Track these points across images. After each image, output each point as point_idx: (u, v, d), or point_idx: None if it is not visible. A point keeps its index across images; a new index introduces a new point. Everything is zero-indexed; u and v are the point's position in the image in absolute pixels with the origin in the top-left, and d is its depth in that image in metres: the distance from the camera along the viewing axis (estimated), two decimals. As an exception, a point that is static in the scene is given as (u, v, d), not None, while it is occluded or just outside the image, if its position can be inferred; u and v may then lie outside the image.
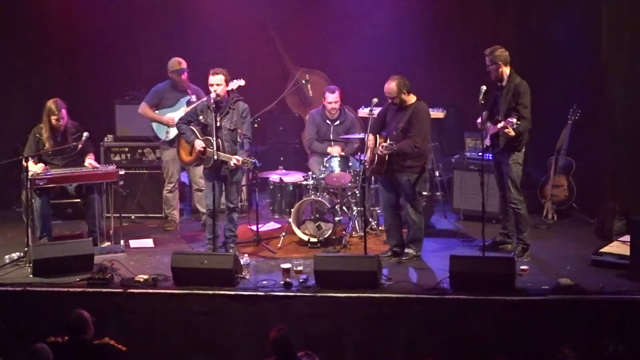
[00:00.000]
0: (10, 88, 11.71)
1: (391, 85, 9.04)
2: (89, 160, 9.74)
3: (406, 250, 9.31)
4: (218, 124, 9.16)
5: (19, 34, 11.66)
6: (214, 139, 9.09)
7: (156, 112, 10.61)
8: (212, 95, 9.18)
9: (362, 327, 8.21)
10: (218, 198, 9.30)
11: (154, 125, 10.66)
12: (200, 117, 9.36)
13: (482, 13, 11.85)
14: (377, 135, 9.17)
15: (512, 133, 8.92)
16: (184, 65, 10.53)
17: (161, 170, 10.94)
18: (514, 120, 8.85)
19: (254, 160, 9.14)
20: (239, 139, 9.32)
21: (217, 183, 9.25)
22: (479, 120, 9.29)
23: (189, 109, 9.85)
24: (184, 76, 10.52)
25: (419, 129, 9.05)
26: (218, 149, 9.10)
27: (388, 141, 9.01)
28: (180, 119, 9.57)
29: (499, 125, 8.97)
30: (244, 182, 11.02)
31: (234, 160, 9.11)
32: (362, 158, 9.31)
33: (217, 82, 9.22)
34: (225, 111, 9.28)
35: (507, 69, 9.14)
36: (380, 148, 8.96)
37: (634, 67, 10.21)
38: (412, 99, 9.13)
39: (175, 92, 10.58)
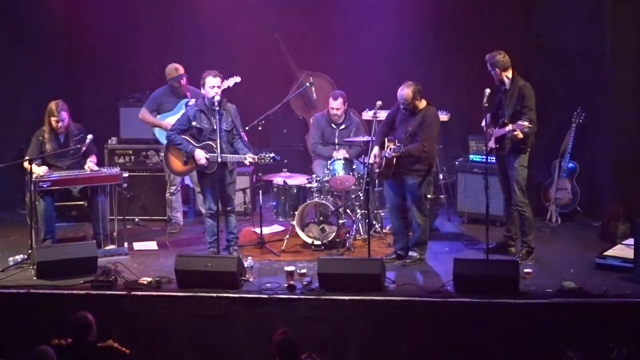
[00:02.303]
0: (17, 91, 11.72)
1: (407, 92, 9.02)
2: (89, 163, 9.75)
3: (410, 253, 9.30)
4: (216, 127, 9.19)
5: (24, 38, 11.66)
6: (217, 141, 9.10)
7: (157, 116, 10.64)
8: (217, 98, 9.18)
9: (366, 330, 8.21)
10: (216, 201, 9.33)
11: (156, 130, 10.68)
12: (194, 123, 9.38)
13: (487, 15, 11.81)
14: (385, 139, 9.16)
15: (521, 136, 8.93)
16: (182, 71, 10.56)
17: (164, 173, 10.95)
18: (526, 123, 8.84)
19: (272, 155, 9.18)
20: (238, 139, 9.39)
21: (216, 185, 9.27)
22: (483, 123, 9.28)
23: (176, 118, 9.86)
24: (183, 81, 10.57)
25: (428, 133, 9.05)
26: (221, 152, 9.13)
27: (396, 144, 9.01)
28: (171, 129, 9.56)
29: (508, 128, 8.96)
30: (248, 184, 11.06)
31: (249, 158, 9.16)
32: (366, 161, 9.31)
33: (218, 85, 9.28)
34: (220, 113, 9.30)
35: (508, 73, 9.14)
36: (388, 151, 8.96)
37: (639, 70, 10.21)
38: (422, 104, 9.14)
39: (173, 96, 10.61)
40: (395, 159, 8.98)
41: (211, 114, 9.26)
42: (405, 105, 9.07)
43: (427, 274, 8.99)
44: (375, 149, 9.23)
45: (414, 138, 9.04)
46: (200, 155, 9.26)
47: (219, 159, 9.09)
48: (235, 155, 9.26)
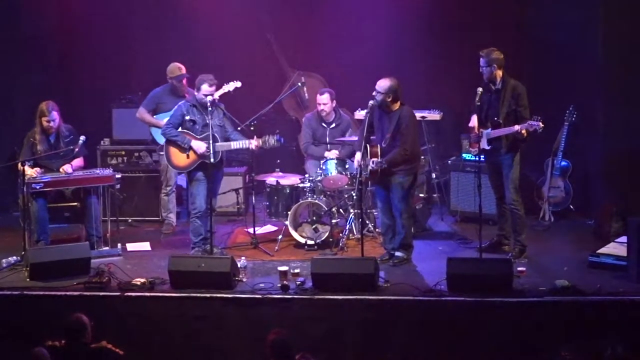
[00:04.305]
0: (9, 93, 11.70)
1: (385, 81, 9.03)
2: (65, 166, 9.68)
3: (397, 253, 9.27)
4: (209, 122, 9.31)
5: (16, 39, 11.65)
6: (210, 134, 9.23)
7: (154, 116, 10.63)
8: (209, 99, 9.36)
9: (360, 330, 8.21)
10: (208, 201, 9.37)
11: (152, 130, 10.67)
12: (188, 117, 9.47)
13: (481, 15, 11.82)
14: (368, 146, 9.12)
15: (525, 135, 8.91)
16: (184, 70, 10.58)
17: (158, 174, 10.95)
18: (540, 123, 8.82)
19: (276, 137, 9.36)
20: (232, 131, 9.60)
21: (208, 185, 9.32)
22: (471, 124, 9.25)
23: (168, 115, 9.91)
24: (184, 81, 10.56)
25: (407, 135, 9.03)
26: (216, 142, 9.26)
27: (379, 156, 8.98)
28: (166, 125, 9.60)
29: (516, 127, 8.89)
30: (241, 184, 11.06)
31: (254, 143, 9.33)
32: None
33: (212, 93, 9.45)
34: (211, 111, 9.41)
35: (500, 72, 9.13)
36: (371, 164, 8.92)
37: (632, 69, 10.22)
38: (396, 105, 9.12)
39: (172, 96, 10.58)
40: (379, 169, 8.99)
41: (202, 108, 9.41)
42: (378, 95, 9.02)
43: (421, 273, 8.98)
44: (358, 155, 9.18)
45: (394, 141, 9.02)
46: (199, 145, 9.31)
47: (211, 157, 9.14)
48: (240, 141, 9.39)
